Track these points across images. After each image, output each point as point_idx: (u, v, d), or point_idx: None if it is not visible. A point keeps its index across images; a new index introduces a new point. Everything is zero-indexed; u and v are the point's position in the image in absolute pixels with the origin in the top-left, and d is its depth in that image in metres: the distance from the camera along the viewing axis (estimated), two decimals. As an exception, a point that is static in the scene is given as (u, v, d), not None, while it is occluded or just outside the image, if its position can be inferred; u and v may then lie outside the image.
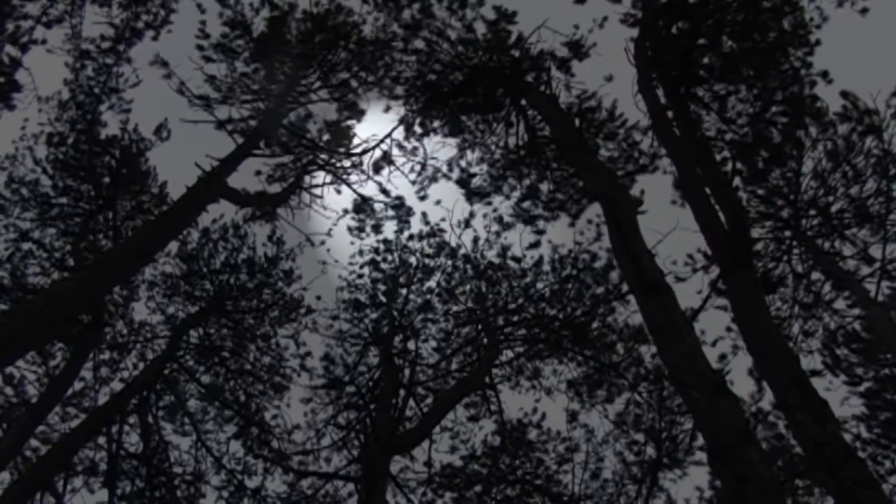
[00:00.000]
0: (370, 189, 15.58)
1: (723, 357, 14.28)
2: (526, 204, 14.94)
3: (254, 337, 15.98)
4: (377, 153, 14.96)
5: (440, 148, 14.99)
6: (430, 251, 16.21)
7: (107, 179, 14.54)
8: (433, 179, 15.26)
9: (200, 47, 14.30)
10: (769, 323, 8.05)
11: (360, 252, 16.18)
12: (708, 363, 7.06)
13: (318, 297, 16.27)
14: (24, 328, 7.72)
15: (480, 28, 13.27)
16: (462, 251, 16.02)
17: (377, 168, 15.24)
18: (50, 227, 14.72)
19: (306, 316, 16.09)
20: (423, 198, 15.44)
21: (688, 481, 14.69)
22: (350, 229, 15.85)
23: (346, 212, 15.69)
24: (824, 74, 12.46)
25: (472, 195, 15.10)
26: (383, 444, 11.42)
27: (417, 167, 15.13)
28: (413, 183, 15.33)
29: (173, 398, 15.04)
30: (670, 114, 10.82)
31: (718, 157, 11.37)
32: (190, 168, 11.89)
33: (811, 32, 12.22)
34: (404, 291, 16.03)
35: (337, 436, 15.11)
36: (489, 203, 15.21)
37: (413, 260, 16.23)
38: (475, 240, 15.92)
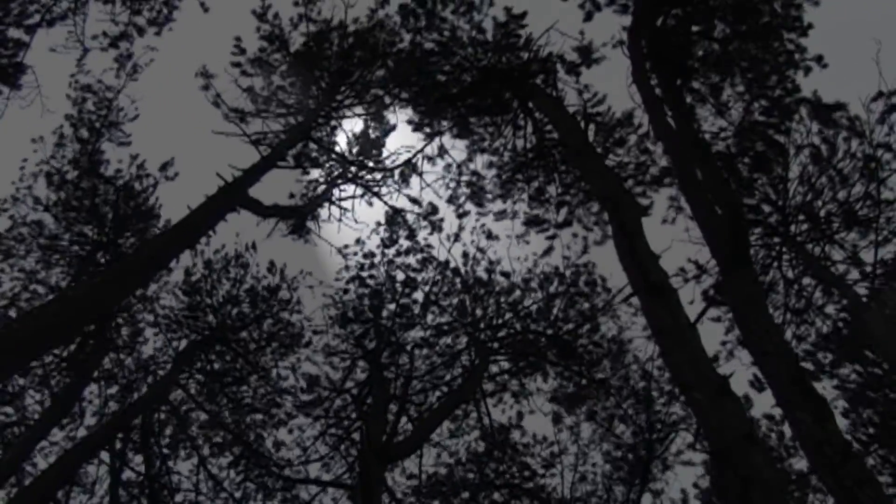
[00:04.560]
0: (400, 201, 15.88)
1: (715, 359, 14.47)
2: (536, 210, 15.02)
3: (254, 369, 15.91)
4: (406, 165, 15.12)
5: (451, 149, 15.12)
6: (417, 265, 16.13)
7: (110, 216, 14.53)
8: (469, 197, 15.33)
9: (237, 64, 14.48)
10: (769, 322, 8.04)
11: (346, 267, 16.14)
12: (711, 365, 7.11)
13: (311, 287, 16.13)
14: (36, 333, 7.61)
15: (490, 29, 13.40)
16: (451, 265, 15.97)
17: (405, 179, 15.37)
18: (55, 267, 14.66)
19: (306, 347, 16.04)
20: (461, 215, 15.53)
21: (677, 482, 14.85)
22: (383, 241, 15.89)
23: (379, 224, 15.79)
24: (819, 59, 12.38)
25: (480, 203, 15.23)
26: (378, 453, 11.40)
27: (452, 183, 15.24)
28: (449, 201, 15.44)
29: (176, 422, 14.96)
30: (666, 107, 10.72)
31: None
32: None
33: (803, 14, 12.12)
34: (391, 306, 15.96)
35: (328, 446, 15.14)
36: (498, 213, 15.31)
37: (399, 274, 16.17)
38: (464, 254, 15.92)
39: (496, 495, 15.08)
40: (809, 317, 14.48)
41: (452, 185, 15.28)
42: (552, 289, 15.65)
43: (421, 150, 14.80)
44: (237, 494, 14.67)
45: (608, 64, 13.36)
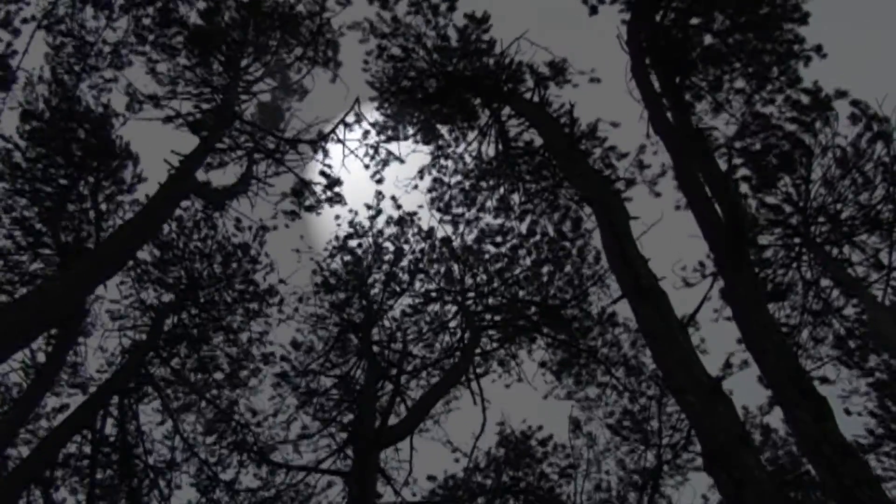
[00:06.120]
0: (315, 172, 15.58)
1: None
2: (499, 219, 15.18)
3: (223, 328, 15.91)
4: (326, 136, 14.96)
5: (410, 154, 15.15)
6: (404, 235, 16.22)
7: (78, 153, 14.25)
8: (386, 163, 15.34)
9: (142, 52, 14.35)
10: (767, 320, 8.00)
11: (336, 237, 16.24)
12: (703, 368, 7.06)
13: (297, 251, 16.08)
14: (16, 326, 7.90)
15: (454, 36, 13.37)
16: (439, 233, 16.00)
17: (325, 152, 15.24)
18: (21, 197, 14.25)
19: (278, 304, 16.03)
20: (379, 181, 15.52)
21: (689, 487, 14.74)
22: (286, 213, 15.61)
23: (284, 195, 15.52)
24: (818, 49, 12.26)
25: (443, 213, 15.39)
26: (373, 439, 11.43)
27: (371, 151, 15.22)
28: (366, 167, 15.39)
29: (152, 389, 14.94)
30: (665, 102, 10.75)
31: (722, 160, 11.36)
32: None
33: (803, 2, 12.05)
34: (378, 275, 16.11)
35: (316, 428, 15.20)
36: (458, 221, 15.41)
37: (387, 244, 16.28)
38: (454, 223, 15.84)
39: (512, 501, 15.15)
40: (827, 318, 14.29)
41: (371, 153, 15.26)
42: (542, 256, 15.65)
43: (341, 120, 14.62)
44: (212, 459, 14.67)
45: (601, 61, 13.44)
